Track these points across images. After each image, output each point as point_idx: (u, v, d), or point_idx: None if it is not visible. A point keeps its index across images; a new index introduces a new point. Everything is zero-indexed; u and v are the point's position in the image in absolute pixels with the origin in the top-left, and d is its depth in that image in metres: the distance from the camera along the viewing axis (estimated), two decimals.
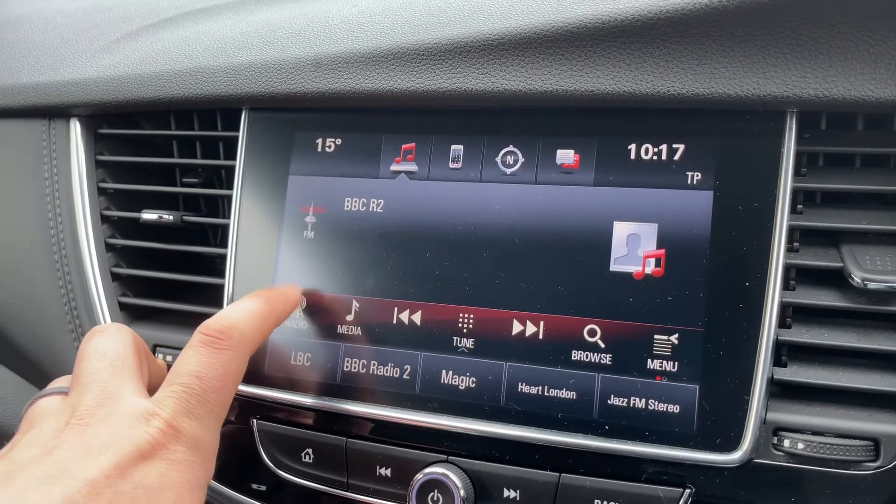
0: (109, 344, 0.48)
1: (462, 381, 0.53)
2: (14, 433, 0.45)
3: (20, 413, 0.48)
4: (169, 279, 0.66)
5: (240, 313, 0.49)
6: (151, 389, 0.47)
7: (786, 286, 0.50)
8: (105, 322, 0.66)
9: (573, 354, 0.51)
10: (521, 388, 0.52)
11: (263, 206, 0.60)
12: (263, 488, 0.59)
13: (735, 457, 0.47)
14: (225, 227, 0.63)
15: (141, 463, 0.40)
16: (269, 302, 0.52)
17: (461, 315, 0.54)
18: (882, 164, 0.52)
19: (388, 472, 0.54)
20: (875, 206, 0.51)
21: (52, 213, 0.69)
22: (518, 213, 0.53)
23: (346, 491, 0.55)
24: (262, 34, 0.62)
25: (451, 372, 0.53)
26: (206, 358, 0.46)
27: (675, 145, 0.51)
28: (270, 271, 0.59)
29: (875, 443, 0.46)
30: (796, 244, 0.50)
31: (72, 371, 0.47)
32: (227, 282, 0.60)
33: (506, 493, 0.51)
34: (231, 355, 0.47)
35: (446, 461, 0.53)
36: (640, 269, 0.50)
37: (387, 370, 0.55)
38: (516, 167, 0.54)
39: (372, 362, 0.55)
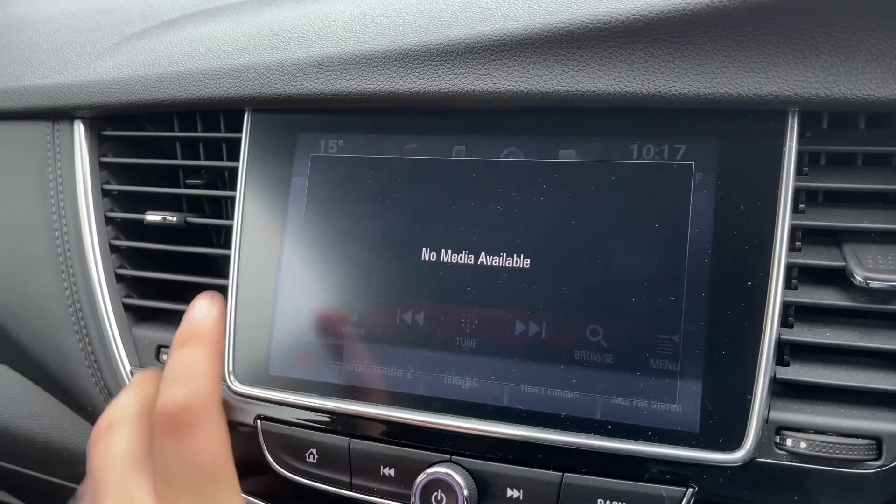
0: (122, 445, 0.47)
1: (465, 381, 0.53)
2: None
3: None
4: (173, 280, 0.66)
5: (186, 376, 0.47)
6: None
7: (788, 285, 0.49)
8: (109, 322, 0.66)
9: (576, 354, 0.51)
10: (524, 388, 0.52)
11: (267, 208, 0.60)
12: None
13: (738, 456, 0.47)
14: (228, 229, 0.63)
15: None
16: (205, 341, 0.50)
17: (464, 315, 0.54)
18: (884, 163, 0.52)
19: (392, 471, 0.54)
20: (877, 205, 0.51)
21: (56, 215, 0.70)
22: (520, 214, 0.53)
23: (350, 491, 0.56)
24: (264, 35, 0.62)
25: (453, 372, 0.53)
26: (182, 452, 0.44)
27: (676, 145, 0.51)
28: (274, 272, 0.59)
29: (877, 442, 0.46)
30: (798, 243, 0.50)
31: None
32: (231, 283, 0.60)
33: (509, 492, 0.51)
34: (203, 430, 0.45)
35: (449, 461, 0.53)
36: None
37: (390, 370, 0.55)
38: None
39: (375, 362, 0.56)
